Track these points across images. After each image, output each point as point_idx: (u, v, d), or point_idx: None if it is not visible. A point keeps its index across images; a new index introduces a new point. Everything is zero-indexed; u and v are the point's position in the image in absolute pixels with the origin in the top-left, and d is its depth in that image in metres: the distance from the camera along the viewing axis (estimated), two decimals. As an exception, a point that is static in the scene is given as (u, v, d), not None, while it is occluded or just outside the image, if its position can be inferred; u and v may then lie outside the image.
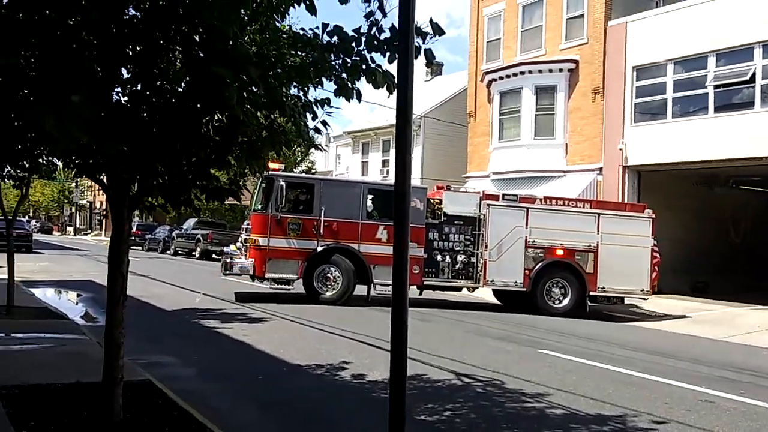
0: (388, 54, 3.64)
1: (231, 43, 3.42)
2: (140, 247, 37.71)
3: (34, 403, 5.13)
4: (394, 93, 4.24)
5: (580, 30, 22.04)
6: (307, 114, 4.25)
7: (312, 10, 4.02)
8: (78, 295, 14.64)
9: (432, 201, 15.24)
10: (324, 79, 4.12)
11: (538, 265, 15.09)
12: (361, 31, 3.70)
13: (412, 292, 15.40)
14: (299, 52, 3.96)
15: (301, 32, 3.97)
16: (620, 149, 20.29)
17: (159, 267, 23.74)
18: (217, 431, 4.74)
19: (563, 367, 8.69)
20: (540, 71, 22.47)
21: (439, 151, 29.60)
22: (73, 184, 63.02)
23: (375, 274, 14.43)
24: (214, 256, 31.04)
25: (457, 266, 15.07)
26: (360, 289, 14.77)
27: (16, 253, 11.04)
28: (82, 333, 8.82)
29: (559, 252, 15.19)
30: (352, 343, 9.59)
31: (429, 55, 3.61)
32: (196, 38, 3.73)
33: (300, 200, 14.61)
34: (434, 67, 36.60)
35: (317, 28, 4.26)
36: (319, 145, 4.73)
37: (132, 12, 4.02)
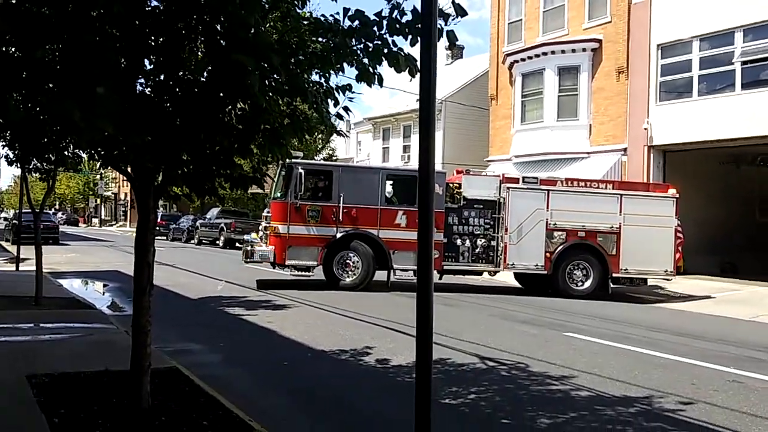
0: (410, 37, 3.60)
1: (252, 31, 3.41)
2: (165, 237, 38.18)
3: (64, 390, 5.22)
4: (417, 77, 4.23)
5: (603, 8, 21.68)
6: (329, 100, 4.24)
7: (332, -6, 4.00)
8: (104, 285, 14.86)
9: (451, 185, 15.23)
10: (345, 65, 4.10)
11: (560, 248, 15.04)
12: (383, 14, 3.67)
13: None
14: (320, 38, 3.93)
15: (322, 18, 3.95)
16: (645, 129, 20.00)
17: (184, 256, 24.02)
18: (244, 417, 4.79)
19: (589, 350, 8.65)
20: (563, 51, 22.18)
21: (460, 136, 29.43)
22: (98, 176, 63.82)
23: (395, 259, 14.49)
24: (237, 244, 31.17)
25: (477, 250, 15.13)
26: (380, 275, 14.80)
27: (43, 245, 11.21)
28: (109, 322, 8.96)
29: (581, 234, 15.14)
30: (376, 329, 9.63)
31: (451, 37, 3.57)
32: (218, 27, 3.72)
33: (319, 187, 14.66)
34: (455, 51, 36.32)
35: (337, 13, 4.24)
36: (341, 131, 4.71)
37: (154, 3, 4.03)
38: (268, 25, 4.03)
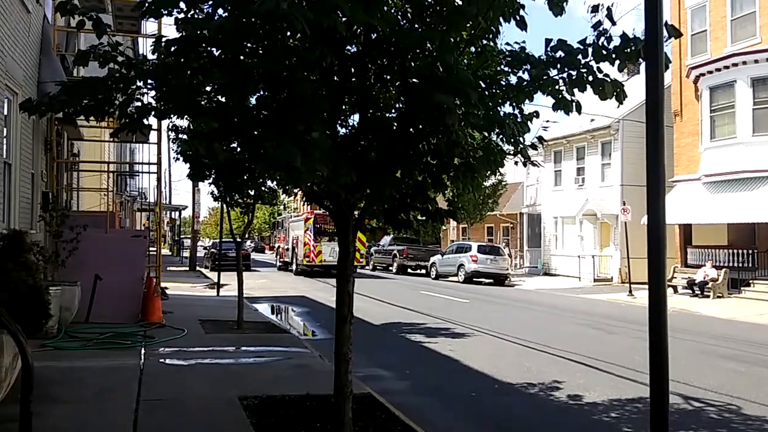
0: (617, 62, 3.47)
1: (451, 69, 3.44)
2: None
3: (272, 413, 5.55)
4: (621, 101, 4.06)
5: (803, 10, 19.55)
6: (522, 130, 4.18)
7: (522, 25, 3.96)
8: (294, 310, 15.77)
9: None
10: (539, 94, 4.03)
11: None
12: (587, 41, 3.57)
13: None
14: (515, 69, 3.90)
15: (517, 48, 3.91)
16: None
17: (359, 282, 24.85)
18: (441, 449, 4.78)
19: (811, 392, 7.65)
20: (756, 61, 20.20)
21: (639, 156, 27.69)
22: (281, 206, 68.29)
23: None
24: (409, 270, 32.25)
25: (290, 253, 30.64)
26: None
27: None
28: (303, 346, 9.43)
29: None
30: (559, 360, 9.27)
31: (665, 60, 3.38)
32: (412, 66, 3.81)
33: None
34: (631, 66, 34.55)
35: (523, 41, 4.20)
36: (535, 161, 4.62)
37: (348, 48, 4.24)
38: (461, 58, 4.07)
